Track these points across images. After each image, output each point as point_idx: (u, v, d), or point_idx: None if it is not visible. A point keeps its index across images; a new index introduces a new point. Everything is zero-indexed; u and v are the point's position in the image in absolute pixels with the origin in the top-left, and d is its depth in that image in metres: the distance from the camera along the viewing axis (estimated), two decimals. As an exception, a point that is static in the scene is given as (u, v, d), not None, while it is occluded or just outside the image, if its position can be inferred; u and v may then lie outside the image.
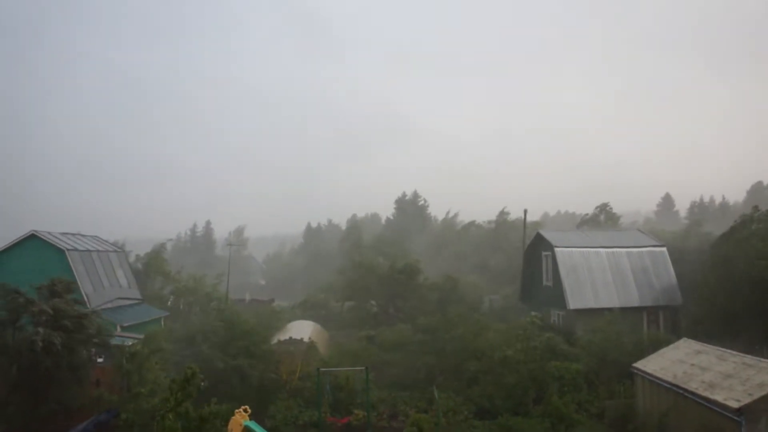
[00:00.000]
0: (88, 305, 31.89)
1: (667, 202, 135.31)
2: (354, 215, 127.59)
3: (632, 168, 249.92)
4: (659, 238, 45.01)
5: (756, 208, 36.14)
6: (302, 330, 38.19)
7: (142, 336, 28.59)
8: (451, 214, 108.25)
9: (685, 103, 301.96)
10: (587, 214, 66.10)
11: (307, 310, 56.27)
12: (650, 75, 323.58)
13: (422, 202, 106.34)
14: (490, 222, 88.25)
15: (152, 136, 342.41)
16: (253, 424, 23.50)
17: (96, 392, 23.09)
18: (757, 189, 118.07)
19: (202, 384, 17.78)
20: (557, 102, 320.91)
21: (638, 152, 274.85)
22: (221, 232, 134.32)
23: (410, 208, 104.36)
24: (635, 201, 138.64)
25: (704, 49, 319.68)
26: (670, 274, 38.27)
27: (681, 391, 20.26)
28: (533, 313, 32.50)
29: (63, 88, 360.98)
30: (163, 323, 38.14)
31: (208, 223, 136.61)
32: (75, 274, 32.29)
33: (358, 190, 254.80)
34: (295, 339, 34.62)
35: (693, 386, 19.86)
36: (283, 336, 36.15)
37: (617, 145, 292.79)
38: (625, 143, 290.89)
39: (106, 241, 42.99)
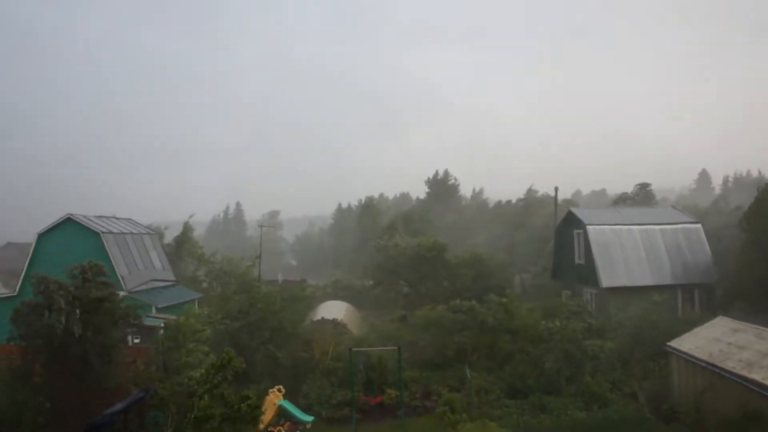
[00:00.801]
0: (124, 287, 32.46)
1: (704, 178, 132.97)
2: (381, 194, 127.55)
3: (667, 144, 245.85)
4: (694, 214, 44.25)
5: None
6: (334, 310, 38.46)
7: (176, 317, 29.05)
8: (481, 193, 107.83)
9: (724, 76, 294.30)
10: (625, 193, 65.04)
11: (338, 290, 56.65)
12: (688, 48, 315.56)
13: (453, 181, 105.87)
14: (520, 200, 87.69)
15: (185, 117, 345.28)
16: (287, 404, 23.89)
17: (132, 372, 23.53)
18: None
19: (242, 367, 18.01)
20: (592, 78, 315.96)
21: (673, 128, 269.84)
22: (252, 213, 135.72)
23: (441, 187, 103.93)
24: (669, 178, 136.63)
25: (745, 19, 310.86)
26: (705, 251, 37.65)
27: (717, 370, 19.94)
28: (566, 292, 32.26)
29: (95, 70, 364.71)
30: (197, 305, 38.65)
31: (238, 204, 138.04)
32: (110, 256, 32.81)
33: (389, 169, 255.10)
34: (327, 319, 34.88)
35: (730, 365, 19.53)
36: (316, 316, 36.43)
37: (651, 121, 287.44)
38: (660, 119, 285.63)
39: (140, 224, 43.56)
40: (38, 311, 21.84)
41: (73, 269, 23.22)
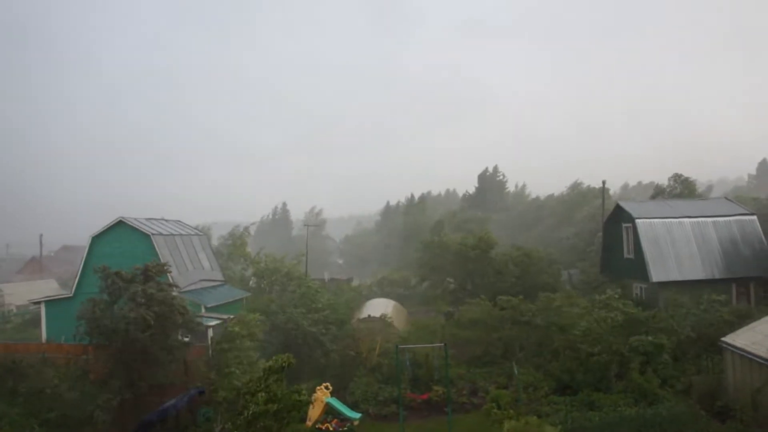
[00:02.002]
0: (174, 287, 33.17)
1: (764, 167, 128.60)
2: (429, 192, 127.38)
3: (725, 134, 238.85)
4: (750, 205, 42.99)
5: None
6: (381, 308, 38.59)
7: (226, 316, 29.55)
8: (528, 188, 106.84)
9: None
10: (660, 185, 62.90)
11: (384, 287, 56.82)
12: (742, 29, 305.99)
13: (501, 177, 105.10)
14: (566, 194, 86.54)
15: (232, 120, 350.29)
16: (334, 401, 24.08)
17: (187, 370, 24.06)
18: None
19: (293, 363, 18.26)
20: (641, 68, 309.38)
21: (731, 116, 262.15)
22: (298, 213, 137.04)
23: (490, 183, 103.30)
24: (723, 168, 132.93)
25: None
26: (761, 243, 36.57)
27: (774, 366, 19.37)
28: (615, 288, 31.67)
29: (142, 74, 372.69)
30: (244, 303, 39.26)
31: (284, 205, 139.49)
32: (160, 257, 33.54)
33: (435, 166, 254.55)
34: (373, 317, 35.03)
35: (788, 361, 18.96)
36: (362, 314, 36.63)
37: (705, 111, 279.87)
38: (714, 109, 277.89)
39: (189, 225, 44.41)
40: (104, 307, 22.55)
41: (135, 269, 23.90)
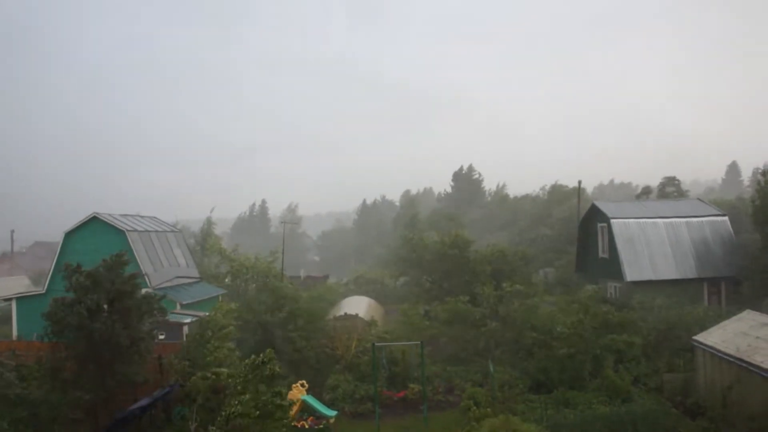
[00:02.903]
0: (149, 284, 32.86)
1: (733, 170, 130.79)
2: (407, 191, 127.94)
3: (694, 137, 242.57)
4: (722, 206, 43.67)
5: None
6: (357, 305, 38.60)
7: (201, 313, 29.34)
8: (503, 187, 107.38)
9: (752, 67, 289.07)
10: (648, 186, 64.27)
11: (361, 285, 56.82)
12: (713, 38, 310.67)
13: (477, 175, 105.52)
14: (542, 193, 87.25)
15: (208, 116, 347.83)
16: (310, 398, 24.03)
17: (160, 367, 23.82)
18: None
19: (278, 369, 18.20)
20: (616, 71, 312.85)
21: (701, 121, 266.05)
22: (275, 210, 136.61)
23: (465, 182, 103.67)
24: (696, 170, 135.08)
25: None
26: (732, 244, 37.17)
27: (745, 365, 19.67)
28: (589, 286, 32.05)
29: (116, 69, 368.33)
30: (220, 300, 39.04)
31: (263, 202, 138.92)
32: (135, 254, 33.23)
33: (412, 164, 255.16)
34: (350, 314, 35.01)
35: (758, 360, 19.24)
36: (338, 312, 36.59)
37: (677, 113, 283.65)
38: (687, 112, 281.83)
39: (164, 222, 44.04)
40: (71, 305, 22.19)
41: (100, 265, 23.54)
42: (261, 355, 17.83)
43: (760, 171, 40.30)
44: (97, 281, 22.49)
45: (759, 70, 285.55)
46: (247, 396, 16.68)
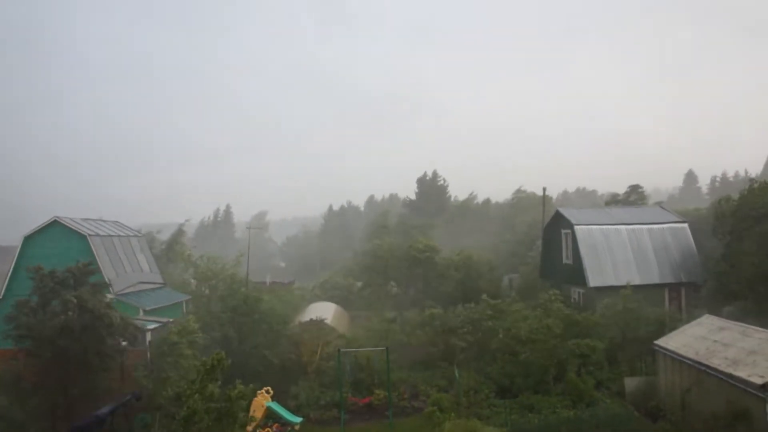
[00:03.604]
0: (111, 290, 32.32)
1: (691, 178, 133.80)
2: (372, 196, 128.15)
3: (654, 146, 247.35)
4: (681, 214, 44.55)
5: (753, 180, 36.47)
6: (323, 311, 38.40)
7: (165, 319, 28.92)
8: (469, 193, 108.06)
9: (709, 78, 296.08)
10: (617, 194, 65.52)
11: (327, 291, 56.59)
12: (673, 49, 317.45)
13: (442, 182, 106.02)
14: (508, 200, 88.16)
15: (173, 119, 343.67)
16: (275, 405, 23.85)
17: (122, 374, 23.43)
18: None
19: (228, 364, 18.02)
20: (580, 80, 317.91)
21: (661, 129, 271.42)
22: (241, 215, 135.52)
23: (430, 188, 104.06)
24: (656, 178, 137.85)
25: (734, 20, 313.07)
26: (691, 250, 37.94)
27: (703, 368, 20.09)
28: (553, 291, 32.39)
29: (82, 69, 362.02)
30: (185, 307, 38.54)
31: (228, 206, 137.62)
32: (97, 259, 32.64)
33: (377, 170, 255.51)
34: (315, 320, 34.84)
35: (716, 363, 19.68)
36: (304, 317, 36.39)
37: (638, 121, 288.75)
38: (647, 120, 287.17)
39: (127, 227, 43.37)
40: (33, 308, 21.76)
41: (67, 271, 23.11)
42: (212, 357, 17.66)
43: (718, 180, 41.42)
44: (66, 285, 22.16)
45: (714, 82, 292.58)
46: (197, 397, 16.50)
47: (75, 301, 21.81)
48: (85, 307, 21.86)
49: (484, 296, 32.78)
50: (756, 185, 35.15)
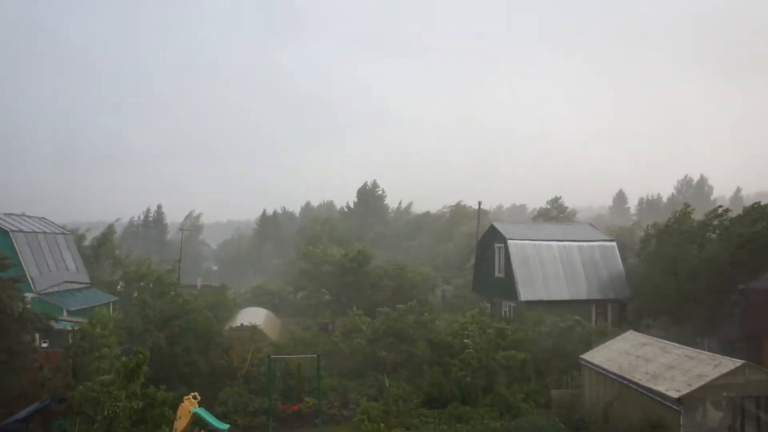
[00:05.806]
0: (34, 288, 31.12)
1: (620, 198, 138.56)
2: (308, 203, 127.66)
3: (586, 165, 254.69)
4: (610, 232, 45.98)
5: (686, 205, 38.39)
6: (254, 317, 37.92)
7: (86, 320, 27.95)
8: (406, 204, 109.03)
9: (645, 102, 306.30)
10: (541, 208, 67.27)
11: (259, 296, 55.98)
12: (616, 68, 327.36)
13: (380, 192, 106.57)
14: (444, 212, 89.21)
15: (105, 117, 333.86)
16: (202, 411, 23.27)
17: (39, 378, 22.51)
18: (686, 183, 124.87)
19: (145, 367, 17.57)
20: (518, 97, 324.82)
21: (592, 150, 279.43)
22: (174, 217, 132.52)
23: (368, 197, 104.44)
24: (588, 196, 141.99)
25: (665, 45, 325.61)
26: (618, 268, 39.11)
27: (626, 382, 20.81)
28: (483, 304, 32.89)
29: (9, 62, 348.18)
30: (111, 308, 37.41)
31: (159, 207, 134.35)
32: (20, 256, 31.42)
33: (314, 177, 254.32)
34: (246, 326, 34.33)
35: (637, 377, 20.41)
36: (235, 322, 35.85)
37: (572, 141, 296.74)
38: (580, 141, 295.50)
39: (54, 223, 41.88)
40: None
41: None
42: (134, 357, 17.20)
43: (644, 201, 43.30)
44: None
45: (644, 103, 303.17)
46: (121, 400, 16.06)
47: None
48: None
49: (414, 302, 32.90)
50: (678, 213, 37.04)
